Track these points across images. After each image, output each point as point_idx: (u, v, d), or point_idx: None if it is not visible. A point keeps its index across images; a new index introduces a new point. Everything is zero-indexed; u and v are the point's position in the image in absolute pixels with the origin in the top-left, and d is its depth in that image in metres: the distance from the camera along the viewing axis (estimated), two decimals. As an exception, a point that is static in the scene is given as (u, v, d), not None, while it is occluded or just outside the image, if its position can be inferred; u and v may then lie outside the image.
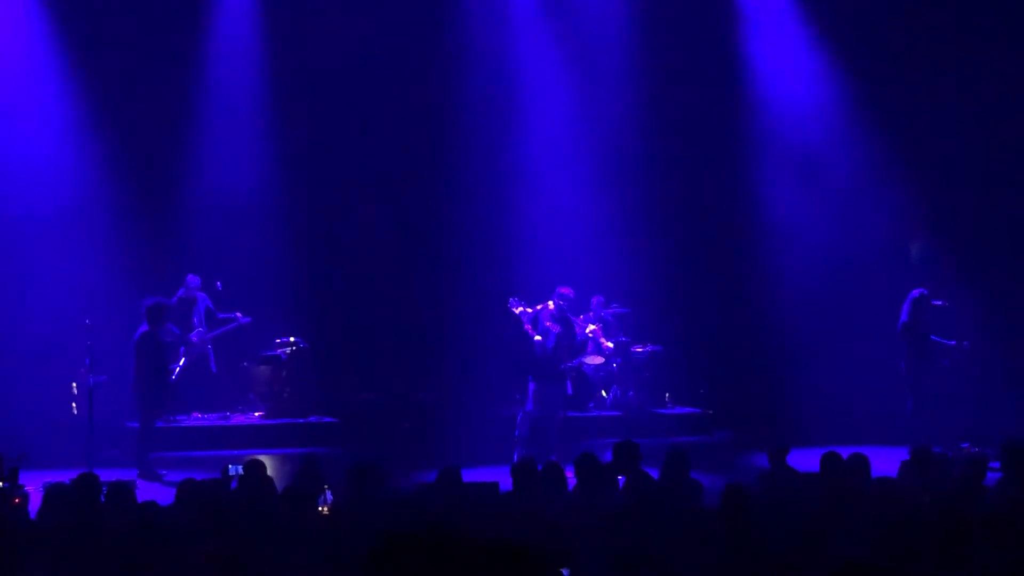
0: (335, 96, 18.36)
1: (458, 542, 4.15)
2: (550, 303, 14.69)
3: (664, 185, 18.60)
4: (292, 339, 17.57)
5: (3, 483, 9.93)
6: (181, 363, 16.93)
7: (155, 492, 11.97)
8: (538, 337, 14.52)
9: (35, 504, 9.52)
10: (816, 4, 18.57)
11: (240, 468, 9.93)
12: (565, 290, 14.91)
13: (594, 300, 17.75)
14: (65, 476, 9.61)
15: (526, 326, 14.67)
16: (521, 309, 14.77)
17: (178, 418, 16.87)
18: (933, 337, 15.47)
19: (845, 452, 9.91)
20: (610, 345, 17.15)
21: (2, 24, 17.59)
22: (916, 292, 15.43)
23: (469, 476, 9.96)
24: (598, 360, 17.59)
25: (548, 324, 14.59)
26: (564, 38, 18.82)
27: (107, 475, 9.67)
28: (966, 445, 14.03)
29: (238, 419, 17.41)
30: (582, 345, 15.65)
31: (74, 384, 16.61)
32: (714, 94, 18.71)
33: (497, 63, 18.67)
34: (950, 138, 17.84)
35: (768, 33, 18.90)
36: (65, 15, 17.69)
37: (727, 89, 18.82)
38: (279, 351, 17.51)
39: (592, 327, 16.77)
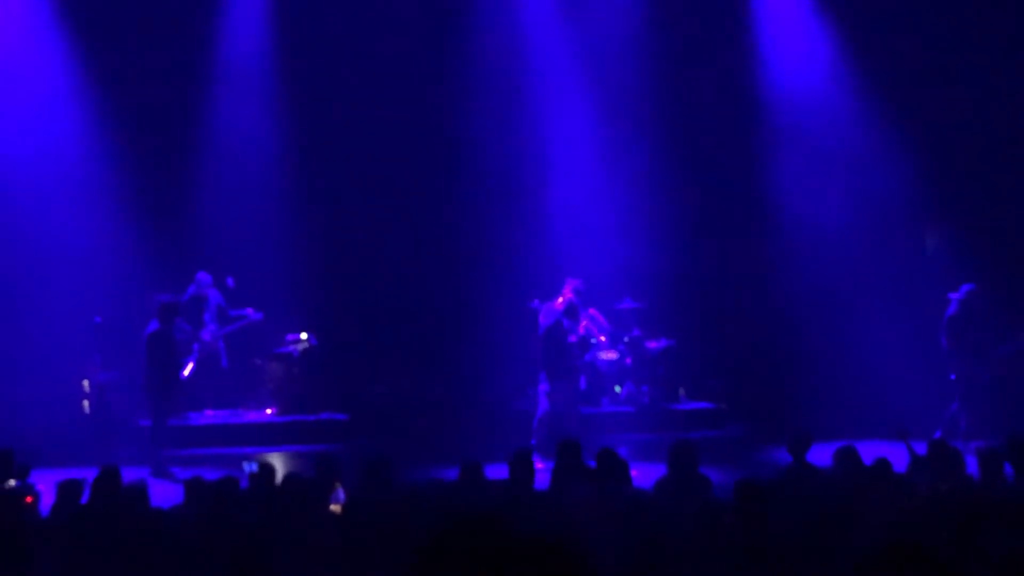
0: (348, 92, 18.34)
1: (512, 538, 4.08)
2: (565, 296, 14.65)
3: (677, 179, 18.51)
4: (304, 336, 17.53)
5: (15, 481, 9.89)
6: (192, 360, 16.92)
7: (167, 490, 11.92)
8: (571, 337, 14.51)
9: (46, 503, 9.48)
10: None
11: (255, 466, 9.88)
12: (576, 282, 14.84)
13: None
14: (76, 474, 9.57)
15: (539, 322, 14.67)
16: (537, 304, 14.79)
17: (190, 415, 16.85)
18: (985, 340, 15.33)
19: (862, 446, 9.82)
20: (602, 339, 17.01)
21: (11, 21, 17.59)
22: (964, 288, 15.30)
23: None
24: (611, 355, 17.54)
25: (564, 321, 14.56)
26: (576, 31, 18.73)
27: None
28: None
29: (250, 416, 17.39)
30: (587, 340, 15.57)
31: (85, 382, 16.60)
32: (729, 86, 18.61)
33: (509, 58, 18.60)
34: (967, 124, 17.72)
35: (781, 22, 18.78)
36: (75, 15, 17.70)
37: (742, 81, 18.72)
38: (291, 348, 17.47)
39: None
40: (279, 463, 13.08)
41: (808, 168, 18.30)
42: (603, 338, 16.23)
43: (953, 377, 15.23)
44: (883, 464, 9.57)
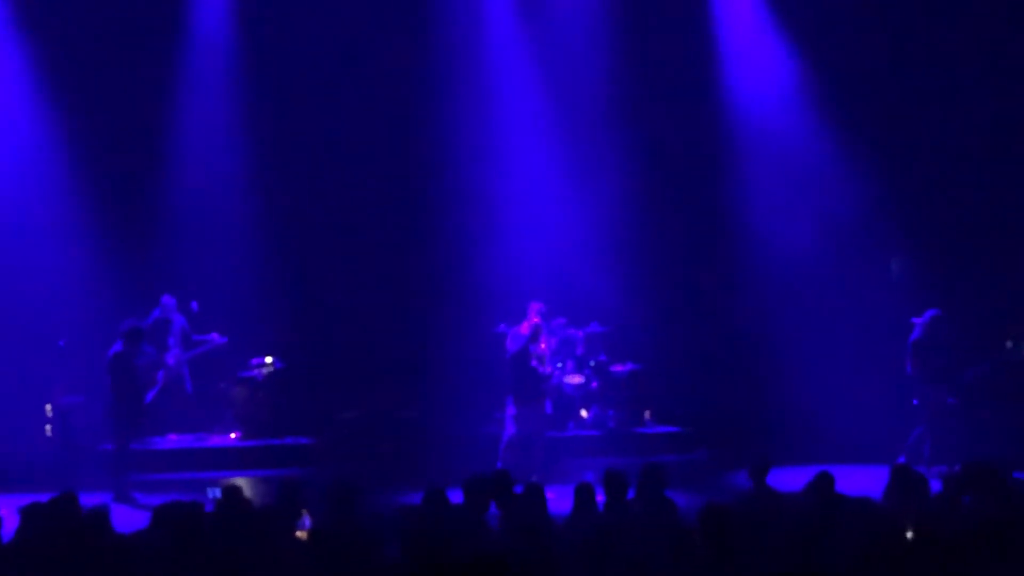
0: (313, 115, 18.31)
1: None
2: (531, 320, 14.65)
3: (643, 204, 18.57)
4: (268, 359, 17.47)
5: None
6: (157, 385, 16.83)
7: (130, 515, 11.84)
8: (534, 361, 14.50)
9: (9, 528, 9.39)
10: (788, 8, 18.55)
11: (219, 492, 9.83)
12: (540, 306, 14.86)
13: (554, 321, 17.69)
14: (39, 499, 9.48)
15: (507, 346, 14.68)
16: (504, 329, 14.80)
17: (153, 440, 16.75)
18: (947, 365, 15.39)
19: (827, 470, 9.86)
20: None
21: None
22: (929, 313, 15.35)
23: (450, 497, 9.89)
24: (577, 379, 17.55)
25: (532, 345, 14.58)
26: (542, 54, 18.78)
27: (82, 498, 9.54)
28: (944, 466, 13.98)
29: (214, 440, 17.30)
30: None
31: (48, 406, 16.49)
32: (695, 110, 18.68)
33: (475, 82, 18.63)
34: (933, 148, 17.87)
35: (746, 45, 18.88)
36: (40, 37, 17.65)
37: (708, 105, 18.80)
38: (255, 372, 17.41)
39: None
40: (244, 488, 13.01)
41: (774, 193, 18.38)
42: (550, 369, 15.90)
43: (916, 402, 15.31)
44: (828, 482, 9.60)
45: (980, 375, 15.95)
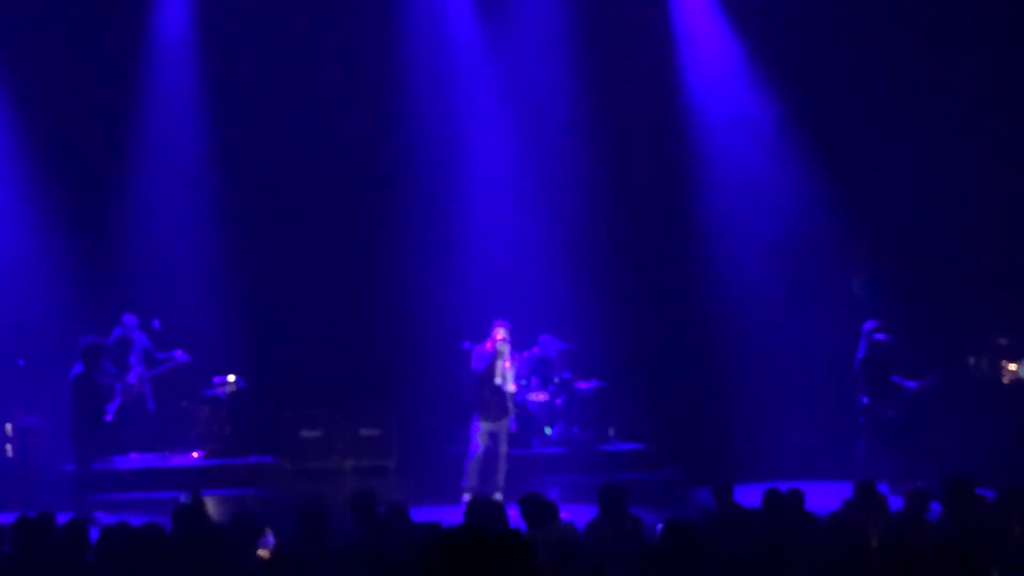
0: (274, 132, 18.21)
1: None
2: (499, 335, 14.64)
3: (606, 219, 18.62)
4: (232, 378, 17.38)
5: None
6: (117, 403, 16.71)
7: (93, 535, 11.71)
8: (498, 379, 14.51)
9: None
10: (747, 21, 18.63)
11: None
12: (504, 323, 14.86)
13: (540, 337, 17.70)
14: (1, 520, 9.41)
15: (472, 364, 14.68)
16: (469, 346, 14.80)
17: (115, 459, 16.63)
18: (894, 378, 15.43)
19: (791, 487, 9.90)
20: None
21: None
22: (868, 325, 15.43)
23: (415, 515, 9.87)
24: (542, 396, 17.55)
25: (497, 363, 14.58)
26: (502, 72, 18.81)
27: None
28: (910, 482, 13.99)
29: (177, 460, 17.19)
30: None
31: (8, 425, 16.35)
32: (657, 127, 18.74)
33: (437, 97, 18.62)
34: (897, 166, 17.98)
35: (705, 52, 18.95)
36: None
37: (669, 120, 18.85)
38: (219, 390, 17.31)
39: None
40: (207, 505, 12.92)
41: (737, 211, 18.46)
42: (514, 387, 15.69)
43: (861, 407, 15.39)
44: (798, 499, 9.63)
45: (943, 389, 16.00)
